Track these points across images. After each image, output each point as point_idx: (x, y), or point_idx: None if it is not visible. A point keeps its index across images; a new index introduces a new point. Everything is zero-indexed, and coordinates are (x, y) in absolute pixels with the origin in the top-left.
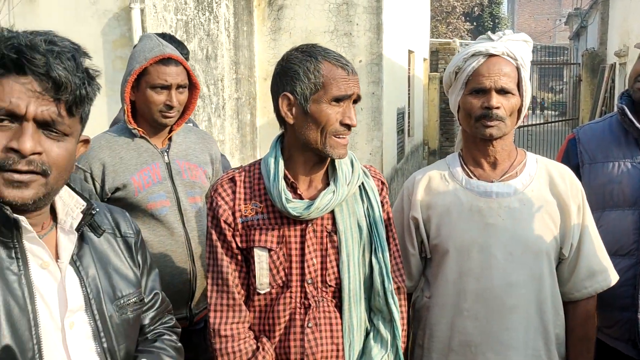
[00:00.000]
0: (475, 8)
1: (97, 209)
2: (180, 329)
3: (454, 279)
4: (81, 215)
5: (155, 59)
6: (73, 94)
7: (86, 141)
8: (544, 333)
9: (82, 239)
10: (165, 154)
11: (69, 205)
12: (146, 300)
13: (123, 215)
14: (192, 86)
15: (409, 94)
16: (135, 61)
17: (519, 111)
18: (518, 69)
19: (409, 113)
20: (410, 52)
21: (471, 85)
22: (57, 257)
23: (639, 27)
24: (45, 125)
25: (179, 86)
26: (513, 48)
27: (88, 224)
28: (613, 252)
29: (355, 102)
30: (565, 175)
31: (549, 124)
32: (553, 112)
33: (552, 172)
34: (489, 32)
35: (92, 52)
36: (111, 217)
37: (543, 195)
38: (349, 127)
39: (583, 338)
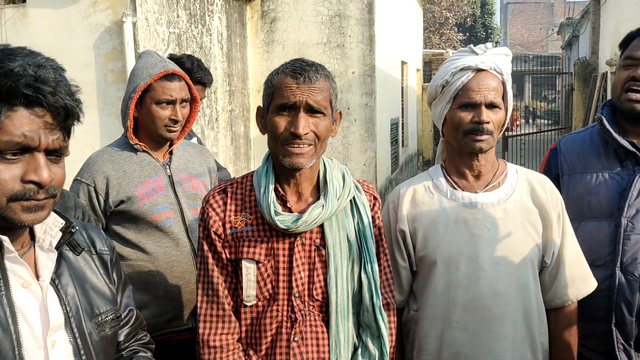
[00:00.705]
0: (468, 19)
1: (76, 227)
2: (154, 346)
3: (442, 291)
4: (60, 234)
5: (159, 75)
6: (74, 118)
7: None
8: (531, 342)
9: (60, 257)
10: (167, 167)
11: (47, 223)
12: (122, 316)
13: (98, 232)
14: (192, 100)
15: (402, 104)
16: (139, 78)
17: (503, 124)
18: (503, 83)
19: (402, 123)
20: (403, 63)
21: (460, 100)
22: (37, 276)
23: None
24: (52, 152)
25: (182, 100)
26: (499, 62)
27: (67, 242)
28: (589, 263)
29: (312, 111)
30: (545, 185)
31: (542, 133)
32: (546, 121)
33: (532, 182)
34: (471, 45)
35: (83, 65)
36: (86, 234)
37: (525, 205)
38: (295, 136)
39: (566, 345)
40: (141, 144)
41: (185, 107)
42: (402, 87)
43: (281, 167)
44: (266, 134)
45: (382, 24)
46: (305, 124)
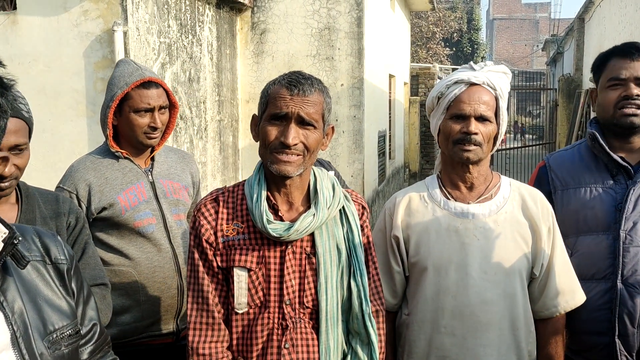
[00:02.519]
0: (455, 34)
1: (20, 238)
2: None
3: (431, 297)
4: (1, 245)
5: (136, 83)
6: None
7: None
8: (517, 350)
9: (4, 270)
10: (149, 173)
11: None
12: (83, 331)
13: (54, 240)
14: (171, 106)
15: (389, 117)
16: (116, 87)
17: (495, 138)
18: (497, 99)
19: (390, 136)
20: (391, 76)
21: (452, 111)
22: None
23: None
24: None
25: (160, 107)
26: (493, 78)
27: (10, 254)
28: (590, 277)
29: (303, 123)
30: (536, 198)
31: (527, 148)
32: (531, 136)
33: (524, 195)
34: (472, 62)
35: (73, 73)
36: (40, 242)
37: (516, 217)
38: (285, 146)
39: (552, 355)
40: (122, 151)
41: (164, 113)
42: (390, 100)
43: (272, 176)
44: (258, 142)
45: (370, 38)
46: (295, 135)
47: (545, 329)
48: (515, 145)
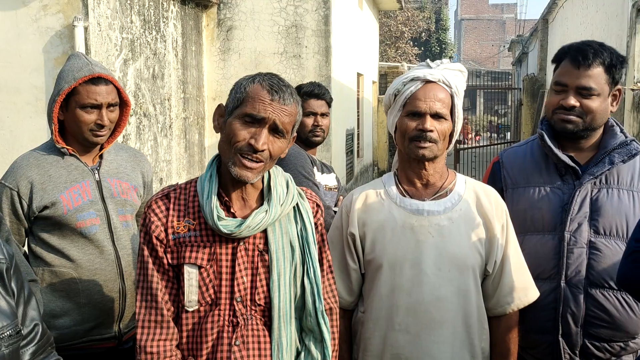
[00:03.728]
0: (423, 34)
1: None
2: None
3: (386, 294)
4: None
5: (84, 78)
6: None
7: None
8: (470, 347)
9: None
10: (96, 171)
11: None
12: (24, 332)
13: None
14: (123, 103)
15: (358, 115)
16: (63, 81)
17: (451, 136)
18: (452, 96)
19: (358, 134)
20: (359, 75)
21: (408, 108)
22: None
23: None
24: None
25: (109, 105)
26: (449, 76)
27: None
28: (535, 276)
29: (275, 131)
30: (490, 196)
31: (493, 146)
32: (496, 135)
33: (479, 193)
34: (428, 60)
35: (32, 69)
36: None
37: (470, 214)
38: (253, 149)
39: (506, 352)
40: (69, 147)
41: (113, 111)
42: (358, 99)
43: (227, 172)
44: (218, 131)
45: (338, 36)
46: (265, 141)
47: (499, 326)
48: (483, 144)
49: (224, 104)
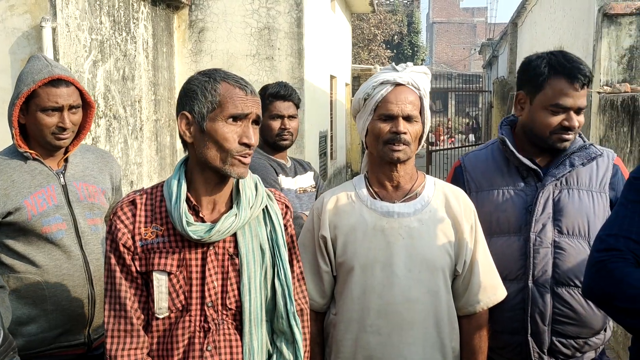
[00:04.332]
0: (396, 36)
1: None
2: None
3: (358, 296)
4: None
5: (44, 80)
6: None
7: None
8: (441, 347)
9: None
10: (61, 175)
11: None
12: None
13: None
14: (87, 105)
15: (331, 117)
16: (23, 84)
17: (420, 137)
18: (421, 98)
19: (331, 136)
20: (332, 77)
21: (380, 111)
22: None
23: None
24: None
25: (71, 107)
26: (416, 79)
27: None
28: (502, 278)
29: (256, 123)
30: (459, 197)
31: (464, 148)
32: (475, 136)
33: (448, 194)
34: (393, 64)
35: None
36: None
37: (439, 216)
38: (248, 146)
39: (476, 351)
40: (32, 151)
41: (75, 113)
42: (331, 101)
43: (201, 176)
44: (192, 141)
45: (311, 38)
46: (254, 135)
47: (469, 325)
48: (455, 146)
49: (187, 112)
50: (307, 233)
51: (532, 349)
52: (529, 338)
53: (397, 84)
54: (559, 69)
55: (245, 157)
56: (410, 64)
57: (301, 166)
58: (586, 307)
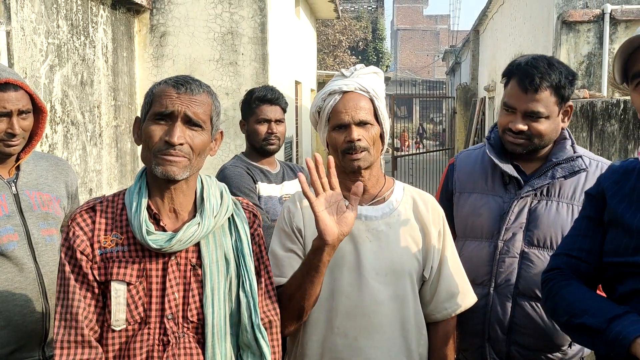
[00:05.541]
0: (361, 43)
1: None
2: None
3: (326, 297)
4: None
5: None
6: None
7: None
8: (407, 352)
9: None
10: (13, 184)
11: None
12: None
13: None
14: (39, 110)
15: (296, 123)
16: None
17: (382, 139)
18: (372, 100)
19: (297, 142)
20: (297, 82)
21: (332, 122)
22: None
23: (505, 64)
24: None
25: (20, 112)
26: (364, 82)
27: None
28: (470, 281)
29: (190, 123)
30: (427, 202)
31: (429, 153)
32: (433, 142)
33: (416, 199)
34: (342, 69)
35: None
36: None
37: (407, 220)
38: (171, 145)
39: (443, 357)
40: None
41: (25, 118)
42: (297, 107)
43: (156, 182)
44: (140, 144)
45: (275, 44)
46: (181, 134)
47: (437, 331)
48: (420, 152)
49: (140, 116)
50: (283, 221)
51: (489, 354)
52: (486, 343)
53: (345, 92)
54: (515, 70)
55: (170, 155)
56: (359, 66)
57: (292, 171)
58: (547, 322)
